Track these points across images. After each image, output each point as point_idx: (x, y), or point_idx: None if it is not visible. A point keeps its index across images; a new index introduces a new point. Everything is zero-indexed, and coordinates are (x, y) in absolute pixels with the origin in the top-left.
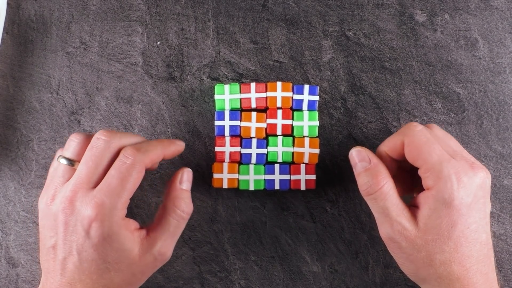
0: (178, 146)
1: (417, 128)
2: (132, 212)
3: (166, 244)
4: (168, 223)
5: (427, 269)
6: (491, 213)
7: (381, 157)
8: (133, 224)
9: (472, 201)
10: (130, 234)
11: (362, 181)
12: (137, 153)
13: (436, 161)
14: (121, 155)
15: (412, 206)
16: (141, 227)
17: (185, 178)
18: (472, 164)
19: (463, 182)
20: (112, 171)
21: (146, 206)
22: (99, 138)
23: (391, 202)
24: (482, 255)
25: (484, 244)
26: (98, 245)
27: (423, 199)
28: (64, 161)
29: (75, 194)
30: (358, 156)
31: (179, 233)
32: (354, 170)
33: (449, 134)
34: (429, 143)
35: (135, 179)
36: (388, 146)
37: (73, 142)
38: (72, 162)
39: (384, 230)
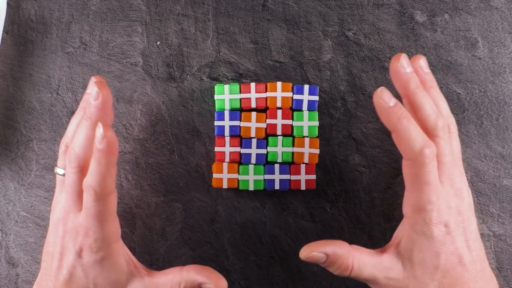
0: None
1: (428, 158)
2: (132, 212)
3: None
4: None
5: None
6: (491, 213)
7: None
8: (128, 253)
9: (454, 229)
10: (125, 264)
11: (333, 271)
12: (95, 193)
13: (425, 198)
14: (84, 197)
15: (393, 244)
16: (143, 267)
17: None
18: (457, 191)
19: (442, 214)
20: (83, 213)
21: (146, 206)
22: (69, 170)
23: (369, 270)
24: (474, 272)
25: (473, 262)
26: (88, 267)
27: (404, 232)
28: (58, 171)
29: (67, 214)
30: (311, 259)
31: None
32: None
33: (458, 142)
34: (430, 178)
35: (105, 211)
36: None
37: (59, 153)
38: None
39: (374, 286)
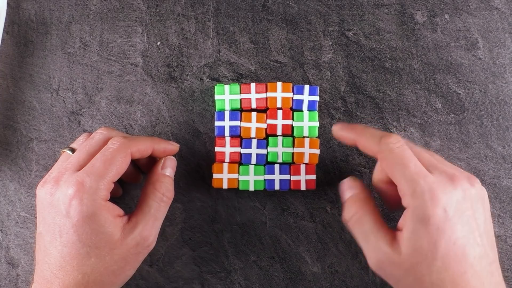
0: (170, 145)
1: (392, 144)
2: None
3: (147, 227)
4: (148, 206)
5: None
6: (491, 213)
7: (377, 187)
8: (116, 209)
9: (454, 215)
10: (112, 218)
11: (345, 209)
12: (124, 139)
13: (409, 178)
14: (109, 142)
15: (397, 230)
16: (124, 214)
17: (167, 164)
18: (452, 176)
19: (438, 198)
20: (98, 154)
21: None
22: (98, 132)
23: (370, 229)
24: (481, 269)
25: (480, 258)
26: (78, 226)
27: (403, 220)
28: (67, 150)
29: (62, 175)
30: (346, 185)
31: (161, 217)
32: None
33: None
34: (404, 159)
35: (119, 163)
36: (376, 174)
37: (81, 137)
38: (73, 151)
39: (370, 261)
